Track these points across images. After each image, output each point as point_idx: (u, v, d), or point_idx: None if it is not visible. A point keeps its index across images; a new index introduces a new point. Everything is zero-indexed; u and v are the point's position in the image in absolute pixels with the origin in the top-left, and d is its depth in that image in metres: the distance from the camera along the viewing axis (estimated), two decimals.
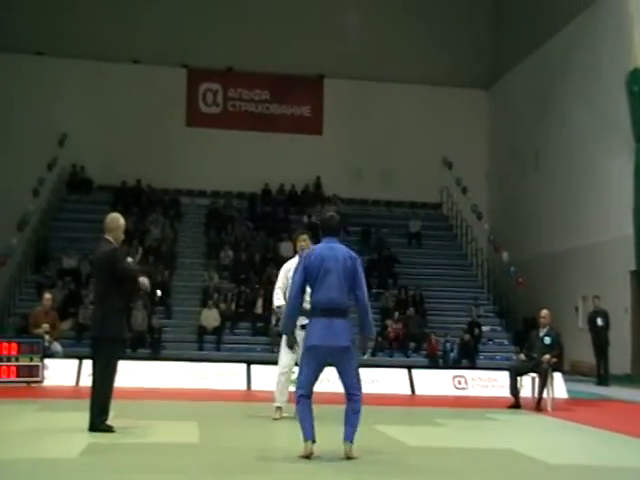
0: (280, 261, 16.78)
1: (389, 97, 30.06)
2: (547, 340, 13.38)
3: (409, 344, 22.77)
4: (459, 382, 15.99)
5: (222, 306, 22.84)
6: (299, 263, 8.07)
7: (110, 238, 8.94)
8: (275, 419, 10.17)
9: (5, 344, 14.57)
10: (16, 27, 28.04)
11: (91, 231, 25.63)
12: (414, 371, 16.16)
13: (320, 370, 7.61)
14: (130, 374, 15.23)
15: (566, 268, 24.77)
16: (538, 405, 12.91)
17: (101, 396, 8.67)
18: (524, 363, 13.55)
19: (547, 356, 13.14)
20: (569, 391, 15.81)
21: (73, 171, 28.58)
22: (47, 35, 28.35)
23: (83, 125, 27.93)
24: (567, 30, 25.27)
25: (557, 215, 25.58)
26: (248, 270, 24.70)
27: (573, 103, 24.89)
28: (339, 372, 7.59)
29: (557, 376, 14.33)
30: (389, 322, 23.06)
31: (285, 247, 24.00)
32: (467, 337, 22.41)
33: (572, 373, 20.67)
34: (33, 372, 14.51)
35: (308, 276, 7.55)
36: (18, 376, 14.27)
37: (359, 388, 7.63)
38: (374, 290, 25.12)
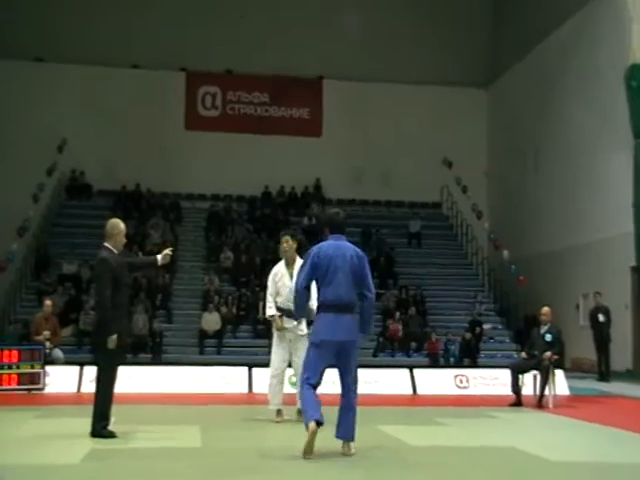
0: None
1: (388, 98, 30.06)
2: (548, 337, 13.40)
3: (410, 344, 22.76)
4: (460, 381, 15.98)
5: (223, 309, 22.84)
6: (305, 261, 8.02)
7: (109, 245, 8.94)
8: (277, 422, 10.10)
9: (6, 352, 14.57)
10: (15, 33, 28.11)
11: (91, 236, 25.62)
12: (415, 371, 16.15)
13: (325, 363, 7.68)
14: (131, 379, 15.22)
15: (566, 265, 24.78)
16: (540, 402, 12.92)
17: (101, 402, 8.69)
18: (525, 361, 13.56)
19: (548, 353, 13.14)
20: (571, 388, 15.82)
21: (73, 176, 28.60)
22: (46, 41, 28.38)
23: (82, 130, 27.94)
24: (565, 27, 25.28)
25: (557, 213, 25.58)
26: (249, 273, 24.71)
27: (572, 101, 24.89)
28: (340, 367, 7.67)
29: (559, 373, 14.34)
30: (390, 322, 23.06)
31: None
32: (468, 335, 22.41)
33: (573, 370, 20.67)
34: (34, 379, 14.50)
35: (316, 274, 7.63)
36: (19, 383, 14.25)
37: (356, 387, 7.77)
38: (375, 291, 25.13)
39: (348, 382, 7.71)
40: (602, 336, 19.71)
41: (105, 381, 8.77)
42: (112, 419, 8.80)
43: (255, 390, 15.08)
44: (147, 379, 15.46)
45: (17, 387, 14.09)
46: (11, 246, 24.01)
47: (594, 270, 23.19)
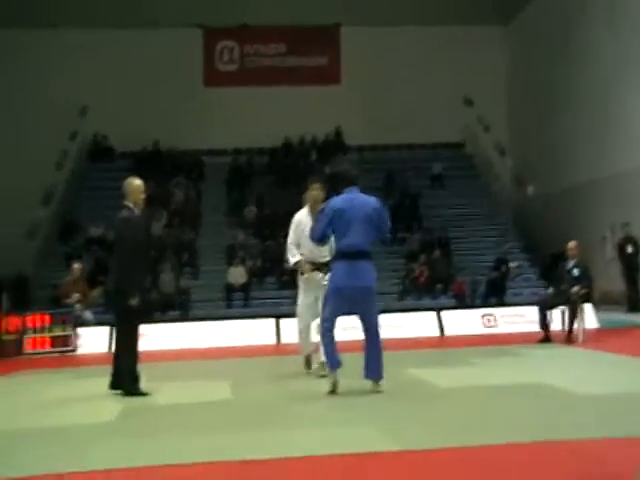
0: None
1: (406, 41, 29.63)
2: (576, 272, 13.31)
3: (436, 286, 22.76)
4: (488, 320, 16.03)
5: (249, 262, 22.94)
6: (322, 213, 8.21)
7: (129, 203, 8.97)
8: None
9: (38, 316, 14.81)
10: (27, 1, 27.97)
11: (115, 198, 25.76)
12: (442, 312, 16.20)
13: (343, 310, 7.99)
14: (160, 336, 15.46)
15: (592, 199, 24.54)
16: (569, 337, 12.91)
17: (129, 362, 8.76)
18: (553, 297, 13.53)
19: (576, 288, 13.08)
20: (600, 320, 15.80)
21: (95, 140, 28.64)
22: (59, 7, 28.16)
23: (102, 94, 27.82)
24: None
25: (581, 145, 25.25)
26: (272, 225, 24.72)
27: (597, 35, 24.29)
28: (361, 313, 7.82)
29: (587, 307, 14.30)
30: (415, 265, 23.05)
31: None
32: (495, 274, 22.35)
33: (603, 303, 20.61)
34: (66, 341, 14.75)
35: (332, 227, 7.91)
36: (52, 346, 14.50)
37: (379, 330, 8.00)
38: (399, 235, 25.14)
39: (371, 325, 7.92)
40: (630, 266, 19.65)
41: (130, 341, 8.81)
42: (143, 378, 8.90)
43: (283, 341, 15.21)
44: (176, 336, 15.67)
45: (50, 350, 14.32)
46: (38, 213, 24.23)
47: (620, 202, 22.91)
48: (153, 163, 27.53)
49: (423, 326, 15.76)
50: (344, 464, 5.41)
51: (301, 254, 9.81)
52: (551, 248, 23.40)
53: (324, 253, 9.39)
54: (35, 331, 14.65)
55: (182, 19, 28.82)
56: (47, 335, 14.38)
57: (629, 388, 8.19)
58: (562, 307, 13.28)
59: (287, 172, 27.55)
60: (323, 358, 8.71)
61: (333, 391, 7.99)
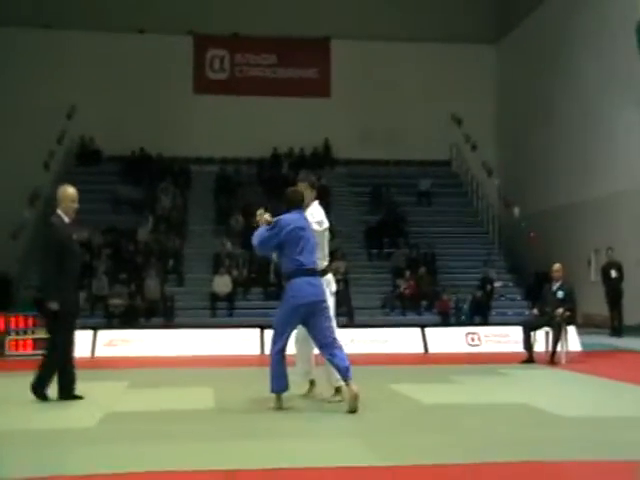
0: None
1: (396, 56, 29.82)
2: (560, 294, 13.38)
3: (421, 303, 22.81)
4: (472, 339, 16.05)
5: (234, 272, 22.90)
6: (273, 230, 8.38)
7: (60, 212, 8.95)
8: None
9: (21, 317, 14.70)
10: (21, 1, 27.97)
11: (101, 202, 25.80)
12: (427, 329, 16.21)
13: (295, 326, 8.33)
14: (144, 342, 15.44)
15: (577, 221, 24.70)
16: (552, 359, 12.95)
17: (47, 366, 8.86)
18: (537, 318, 13.58)
19: (560, 310, 13.14)
20: (583, 344, 15.86)
21: (82, 143, 28.55)
22: (52, 8, 28.18)
23: (91, 96, 27.82)
24: None
25: (567, 168, 25.43)
26: None
27: (582, 55, 24.62)
28: (316, 325, 8.11)
29: (571, 329, 14.35)
30: (401, 281, 23.09)
31: None
32: (479, 294, 22.42)
33: (585, 326, 20.68)
34: None
35: (288, 242, 8.22)
36: (34, 349, 14.39)
37: (339, 342, 8.20)
38: (385, 250, 25.19)
39: (326, 336, 8.08)
40: (614, 291, 19.72)
41: (51, 346, 8.93)
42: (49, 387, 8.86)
43: (267, 351, 15.14)
44: (160, 342, 15.60)
45: (32, 353, 14.20)
46: (23, 214, 24.11)
47: (606, 225, 23.11)
48: (141, 168, 27.49)
49: (407, 342, 15.76)
50: (330, 477, 5.40)
51: None
52: (536, 268, 23.55)
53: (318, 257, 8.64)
54: (18, 333, 14.54)
55: (173, 25, 28.88)
56: (30, 337, 14.27)
57: (611, 411, 8.26)
58: (546, 328, 13.33)
59: (275, 183, 27.51)
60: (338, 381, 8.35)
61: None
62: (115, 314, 20.94)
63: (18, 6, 27.74)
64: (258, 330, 15.77)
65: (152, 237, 24.26)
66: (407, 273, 23.30)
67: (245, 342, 15.69)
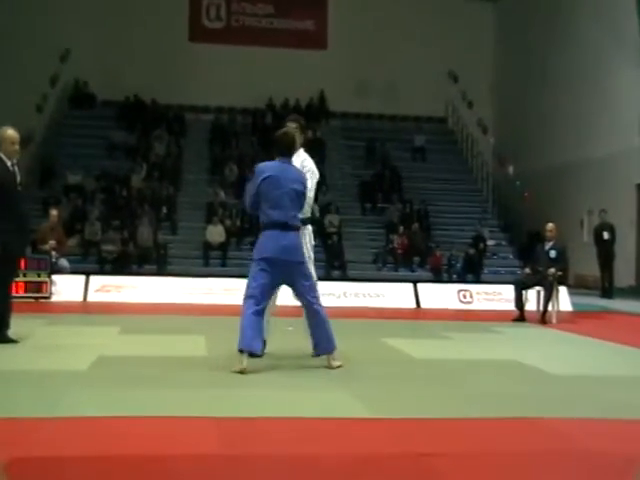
0: None
1: (395, 10, 29.49)
2: (553, 254, 13.40)
3: (413, 258, 22.83)
4: (464, 296, 16.11)
5: (227, 222, 22.85)
6: (253, 181, 7.62)
7: (1, 154, 8.79)
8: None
9: None
10: None
11: (95, 147, 25.66)
12: (419, 285, 16.25)
13: (273, 284, 7.62)
14: (136, 289, 15.45)
15: (572, 182, 24.70)
16: (543, 318, 13.02)
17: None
18: (529, 277, 13.62)
19: (552, 269, 13.17)
20: (574, 304, 15.94)
21: (76, 86, 28.29)
22: None
23: (86, 40, 27.45)
24: None
25: (563, 128, 25.38)
26: None
27: (581, 14, 24.46)
28: (294, 285, 7.56)
29: (562, 289, 14.43)
30: (394, 237, 23.09)
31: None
32: (472, 251, 22.45)
33: (577, 287, 20.79)
34: (41, 288, 14.66)
35: (261, 193, 7.41)
36: (26, 292, 14.40)
37: (320, 302, 7.63)
38: (379, 205, 25.15)
39: (309, 298, 7.54)
40: (606, 253, 19.79)
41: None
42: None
43: None
44: (152, 290, 15.62)
45: (24, 295, 14.21)
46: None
47: (599, 186, 23.11)
48: (135, 114, 27.27)
49: (399, 297, 15.81)
50: (318, 427, 5.42)
51: None
52: (529, 227, 23.59)
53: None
54: None
55: None
56: (21, 280, 14.25)
57: (598, 370, 8.32)
58: (538, 287, 13.38)
59: (270, 133, 27.33)
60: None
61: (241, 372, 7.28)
62: (108, 260, 20.91)
63: None
64: None
65: (145, 184, 24.16)
66: (400, 229, 23.29)
67: (237, 292, 15.66)
